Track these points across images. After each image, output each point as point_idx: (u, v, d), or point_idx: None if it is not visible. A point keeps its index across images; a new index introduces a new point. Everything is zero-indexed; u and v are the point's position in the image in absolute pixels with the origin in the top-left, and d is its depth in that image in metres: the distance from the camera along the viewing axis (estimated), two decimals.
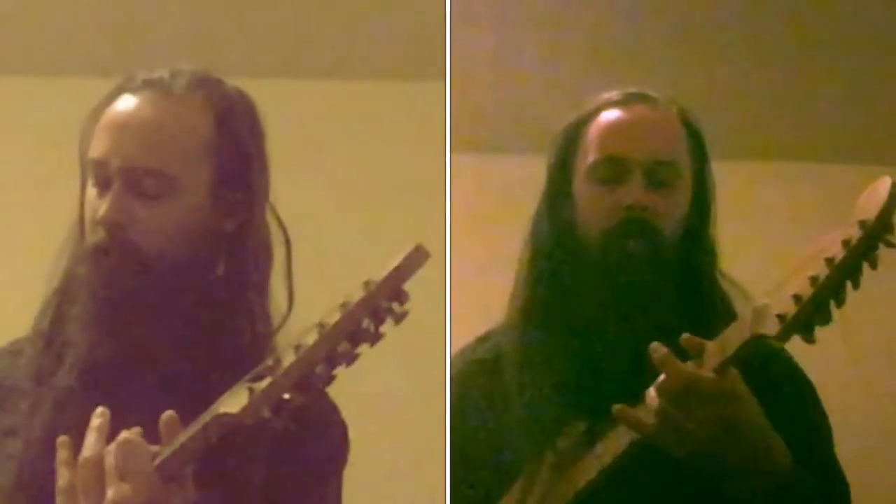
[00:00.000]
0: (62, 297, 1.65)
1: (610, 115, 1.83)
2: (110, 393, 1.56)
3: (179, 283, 1.62)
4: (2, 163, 3.13)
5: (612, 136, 1.81)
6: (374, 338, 1.39)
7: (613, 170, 1.79)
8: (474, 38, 3.02)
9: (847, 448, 1.81)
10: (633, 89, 1.86)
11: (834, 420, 1.80)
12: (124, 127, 1.64)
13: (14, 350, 1.70)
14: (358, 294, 1.39)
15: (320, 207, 3.15)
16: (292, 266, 1.69)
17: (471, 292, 2.71)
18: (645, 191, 1.76)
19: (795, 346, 1.59)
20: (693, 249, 1.80)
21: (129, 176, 1.61)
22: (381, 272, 1.39)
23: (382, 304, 1.38)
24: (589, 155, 1.81)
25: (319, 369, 1.39)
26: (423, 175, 2.92)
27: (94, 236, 1.62)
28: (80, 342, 1.61)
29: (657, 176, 1.77)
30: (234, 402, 1.42)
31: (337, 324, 1.39)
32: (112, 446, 1.46)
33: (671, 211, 1.78)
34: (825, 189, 3.15)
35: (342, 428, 1.70)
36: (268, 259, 1.69)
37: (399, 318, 1.39)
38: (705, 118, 1.87)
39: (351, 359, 1.39)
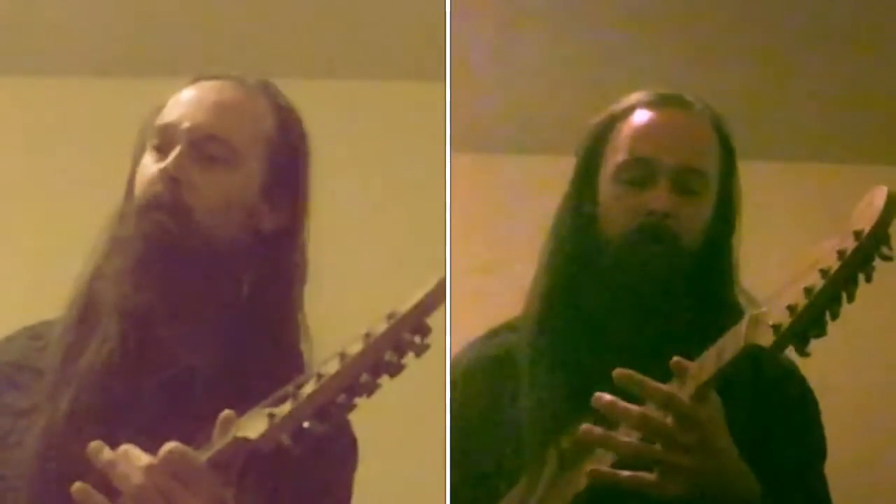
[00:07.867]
0: (102, 261, 1.67)
1: (643, 115, 1.80)
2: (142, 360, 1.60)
3: (216, 257, 1.65)
4: (2, 163, 3.14)
5: (642, 137, 1.79)
6: (396, 369, 1.39)
7: (640, 172, 1.76)
8: (474, 38, 3.02)
9: (847, 450, 1.81)
10: (665, 90, 1.84)
11: (832, 422, 1.79)
12: (198, 99, 1.70)
13: (33, 334, 1.72)
14: (381, 326, 1.38)
15: (319, 207, 3.15)
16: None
17: (471, 292, 2.71)
18: (669, 197, 1.74)
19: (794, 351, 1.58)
20: (712, 258, 1.78)
21: (194, 138, 1.67)
22: (403, 304, 1.38)
23: (405, 336, 1.38)
24: (618, 154, 1.79)
25: (340, 399, 1.39)
26: (423, 175, 2.92)
27: (151, 189, 1.65)
28: (115, 293, 1.62)
29: (684, 183, 1.75)
30: (253, 426, 1.41)
31: (360, 354, 1.38)
32: (157, 461, 1.42)
33: (693, 219, 1.76)
34: (825, 189, 3.16)
35: (352, 441, 1.70)
36: (294, 279, 1.72)
37: (421, 351, 1.38)
38: None
39: (371, 389, 1.39)
